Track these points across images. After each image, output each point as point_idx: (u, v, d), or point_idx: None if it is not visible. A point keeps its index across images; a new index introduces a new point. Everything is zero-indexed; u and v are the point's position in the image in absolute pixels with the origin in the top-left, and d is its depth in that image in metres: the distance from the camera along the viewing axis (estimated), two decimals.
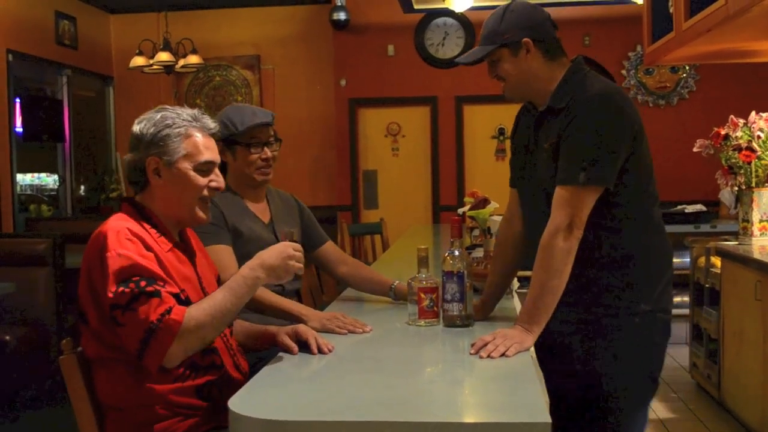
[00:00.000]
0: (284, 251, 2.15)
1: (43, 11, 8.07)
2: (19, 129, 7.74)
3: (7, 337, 4.63)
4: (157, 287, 1.96)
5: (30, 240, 5.16)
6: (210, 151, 2.18)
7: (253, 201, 3.01)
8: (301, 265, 2.17)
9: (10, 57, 7.41)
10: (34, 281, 4.92)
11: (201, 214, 2.19)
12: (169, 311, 1.94)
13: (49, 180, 8.77)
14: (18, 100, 7.76)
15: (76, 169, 8.69)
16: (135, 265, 1.96)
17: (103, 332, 2.02)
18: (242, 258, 2.80)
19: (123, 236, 2.01)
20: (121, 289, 1.93)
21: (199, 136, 2.16)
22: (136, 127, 2.16)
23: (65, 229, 5.73)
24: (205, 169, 2.16)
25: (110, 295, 1.93)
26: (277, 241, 2.96)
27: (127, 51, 8.22)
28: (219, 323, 2.04)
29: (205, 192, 2.17)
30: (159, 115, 2.15)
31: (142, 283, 1.95)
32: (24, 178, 8.66)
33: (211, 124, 2.21)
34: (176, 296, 2.00)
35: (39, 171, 8.79)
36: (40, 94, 8.50)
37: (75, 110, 8.63)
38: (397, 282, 2.96)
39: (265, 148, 2.94)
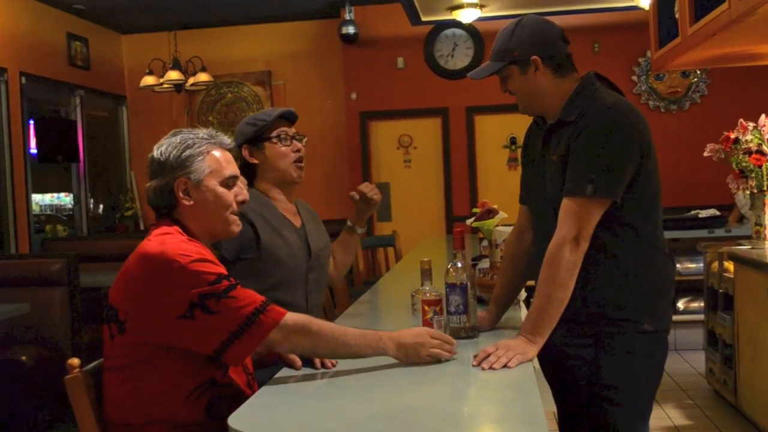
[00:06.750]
0: (420, 336, 2.13)
1: (55, 33, 8.15)
2: (33, 150, 7.80)
3: (23, 357, 4.66)
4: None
5: (44, 260, 5.18)
6: (231, 166, 2.26)
7: (284, 204, 2.98)
8: (438, 352, 2.11)
9: (23, 79, 7.49)
10: (49, 301, 4.94)
11: (234, 227, 2.27)
12: (265, 305, 2.01)
13: (67, 200, 8.82)
14: (32, 121, 7.83)
15: (92, 189, 8.76)
16: (214, 262, 2.05)
17: (147, 337, 2.00)
18: (276, 264, 2.78)
19: (179, 241, 2.08)
20: (213, 280, 1.98)
21: (218, 153, 2.23)
22: (156, 152, 2.20)
23: (80, 248, 5.76)
24: (230, 183, 2.24)
25: (196, 291, 1.95)
26: (307, 248, 2.94)
27: (139, 71, 8.29)
28: (333, 346, 2.07)
29: (235, 206, 2.25)
30: (178, 138, 2.21)
31: (232, 279, 2.02)
32: (43, 199, 8.72)
33: (227, 140, 2.29)
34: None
35: (54, 191, 8.84)
36: (54, 115, 8.55)
37: (89, 130, 8.72)
38: (348, 221, 3.24)
39: (295, 141, 2.95)
